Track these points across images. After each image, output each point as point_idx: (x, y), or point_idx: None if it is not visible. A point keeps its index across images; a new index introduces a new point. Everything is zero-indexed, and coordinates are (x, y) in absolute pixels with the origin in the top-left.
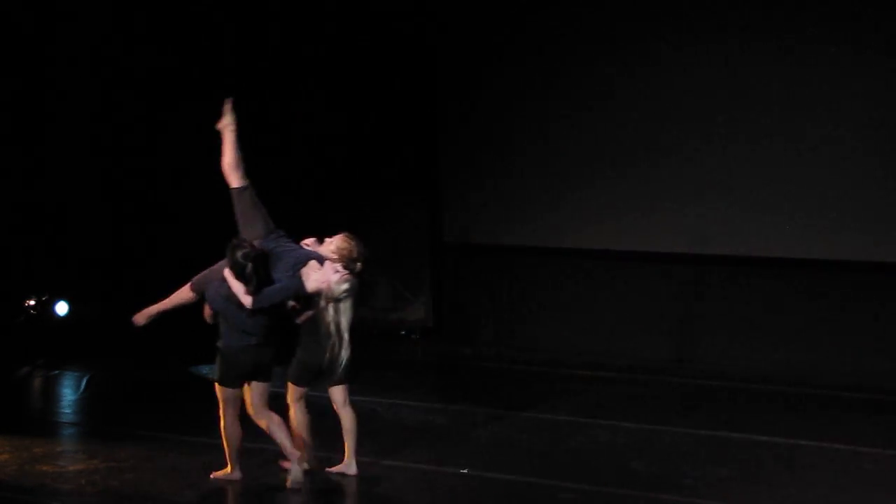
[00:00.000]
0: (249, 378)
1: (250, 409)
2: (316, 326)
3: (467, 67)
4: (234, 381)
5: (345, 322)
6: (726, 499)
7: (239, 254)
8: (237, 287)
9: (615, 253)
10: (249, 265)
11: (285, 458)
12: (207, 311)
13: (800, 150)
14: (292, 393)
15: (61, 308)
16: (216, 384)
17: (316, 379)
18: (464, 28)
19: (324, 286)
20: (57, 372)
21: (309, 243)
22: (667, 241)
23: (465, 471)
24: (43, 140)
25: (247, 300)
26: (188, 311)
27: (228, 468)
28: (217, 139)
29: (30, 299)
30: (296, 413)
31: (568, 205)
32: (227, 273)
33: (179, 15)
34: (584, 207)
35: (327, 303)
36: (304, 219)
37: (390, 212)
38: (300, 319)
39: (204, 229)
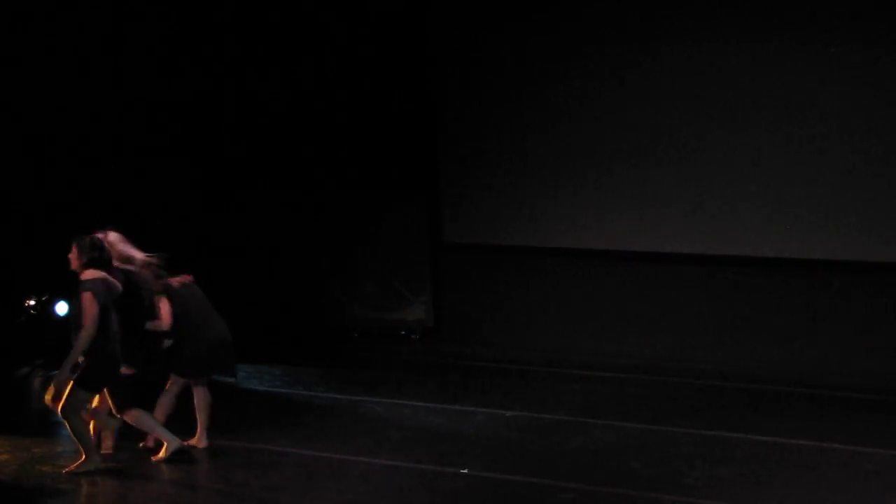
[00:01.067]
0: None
1: (117, 411)
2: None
3: (466, 67)
4: (98, 387)
5: None
6: (726, 499)
7: (87, 240)
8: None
9: (615, 253)
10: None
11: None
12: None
13: (800, 150)
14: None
15: (61, 308)
16: (76, 386)
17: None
18: (463, 28)
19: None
20: (57, 372)
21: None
22: (667, 241)
23: (465, 471)
24: (44, 140)
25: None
26: None
27: (84, 458)
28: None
29: (30, 299)
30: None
31: (568, 205)
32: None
33: (179, 10)
34: (584, 207)
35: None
36: (304, 218)
37: (390, 212)
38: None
39: (203, 230)
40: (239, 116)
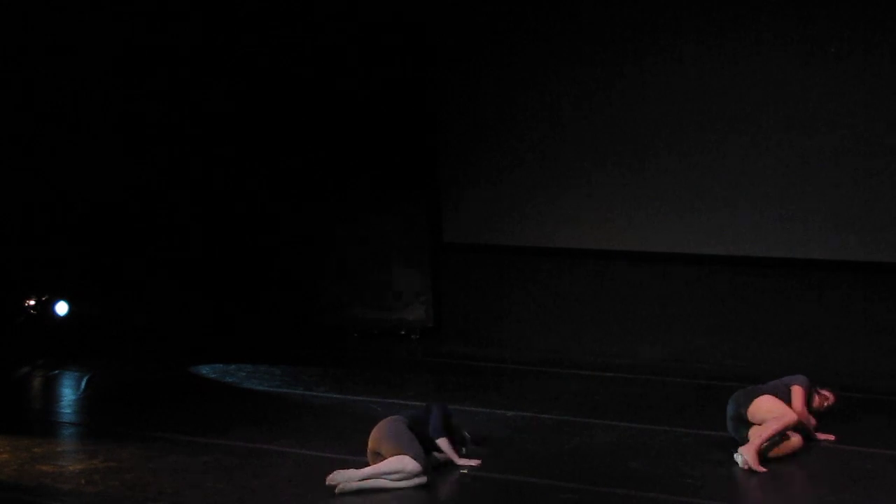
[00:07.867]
0: None
1: None
2: None
3: (466, 67)
4: None
5: None
6: (726, 499)
7: None
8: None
9: (615, 253)
10: None
11: None
12: None
13: (800, 150)
14: None
15: (61, 308)
16: None
17: None
18: (462, 27)
19: None
20: (57, 372)
21: None
22: (667, 240)
23: (466, 471)
24: (44, 141)
25: None
26: (187, 311)
27: None
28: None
29: (30, 299)
30: None
31: (568, 204)
32: None
33: (180, 13)
34: (583, 207)
35: None
36: (304, 218)
37: (390, 212)
38: None
39: (202, 230)
40: (238, 116)
